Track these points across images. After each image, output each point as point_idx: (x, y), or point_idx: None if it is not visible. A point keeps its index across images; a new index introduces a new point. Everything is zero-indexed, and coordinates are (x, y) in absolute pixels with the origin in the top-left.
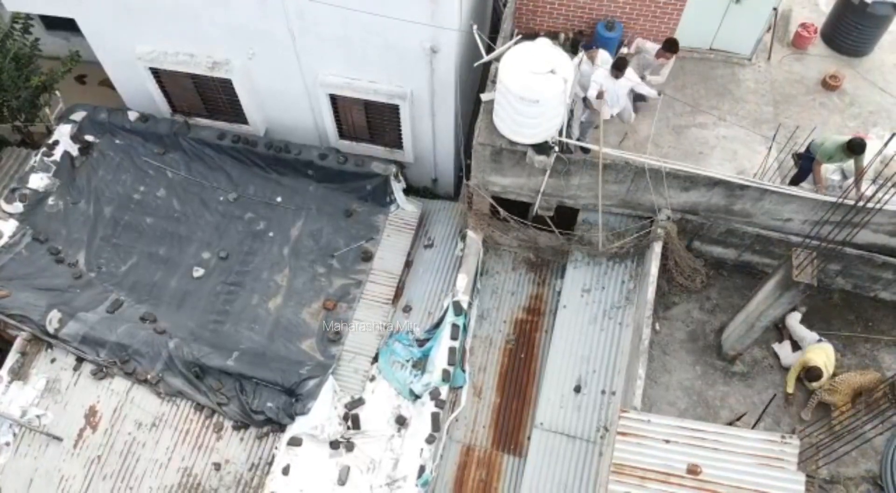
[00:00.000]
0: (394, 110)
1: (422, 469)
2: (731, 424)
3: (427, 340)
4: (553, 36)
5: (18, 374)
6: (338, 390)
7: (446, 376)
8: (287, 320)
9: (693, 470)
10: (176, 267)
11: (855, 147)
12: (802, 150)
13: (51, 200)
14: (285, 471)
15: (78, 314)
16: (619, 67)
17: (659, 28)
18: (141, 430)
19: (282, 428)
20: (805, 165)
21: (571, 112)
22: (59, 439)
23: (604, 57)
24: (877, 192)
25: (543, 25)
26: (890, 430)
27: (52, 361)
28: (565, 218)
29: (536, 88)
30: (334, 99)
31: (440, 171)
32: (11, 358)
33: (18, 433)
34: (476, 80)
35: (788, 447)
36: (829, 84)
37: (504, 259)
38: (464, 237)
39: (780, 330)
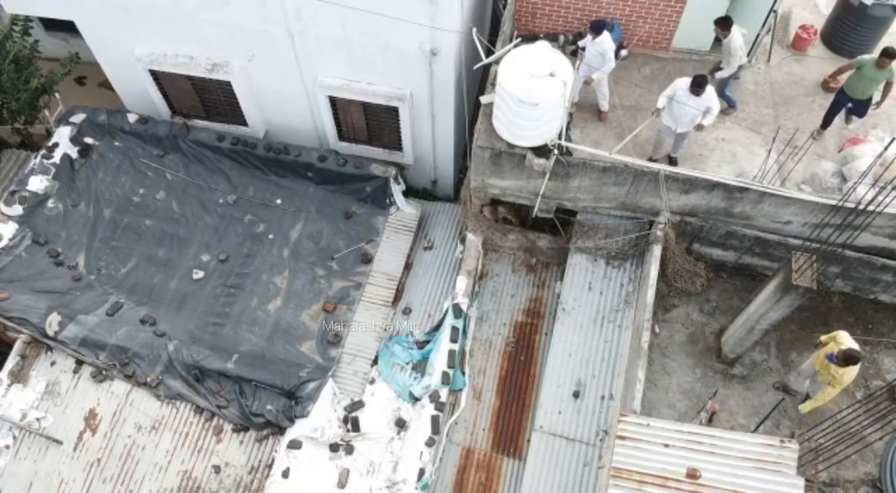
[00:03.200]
0: (393, 112)
1: (421, 472)
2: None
3: (427, 342)
4: (552, 38)
5: (18, 376)
6: (337, 392)
7: (446, 379)
8: (287, 323)
9: (692, 474)
10: (175, 269)
11: (889, 51)
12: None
13: (50, 203)
14: (285, 474)
15: (77, 317)
16: (698, 85)
17: (659, 30)
18: (141, 433)
19: (281, 431)
20: (838, 98)
21: (571, 115)
22: (58, 442)
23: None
24: (877, 195)
25: (543, 28)
26: (890, 433)
27: (52, 363)
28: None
29: (536, 90)
30: (334, 101)
31: (440, 173)
32: (11, 361)
33: (18, 436)
34: (476, 82)
35: (787, 451)
36: (829, 86)
37: (503, 261)
38: (463, 239)
39: None
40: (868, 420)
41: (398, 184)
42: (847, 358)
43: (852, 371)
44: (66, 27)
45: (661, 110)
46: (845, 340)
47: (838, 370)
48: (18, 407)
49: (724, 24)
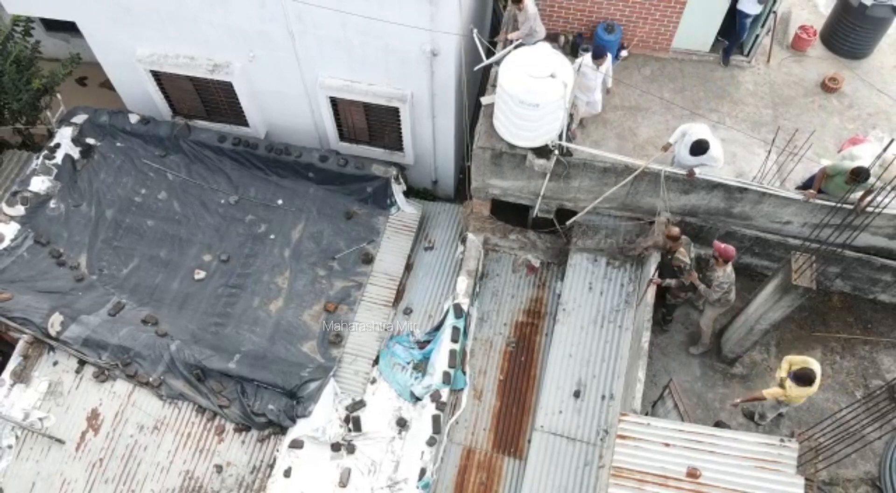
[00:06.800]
0: (394, 113)
1: (422, 472)
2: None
3: (427, 342)
4: (553, 39)
5: (21, 377)
6: (339, 392)
7: (447, 379)
8: (288, 323)
9: (692, 474)
10: (177, 270)
11: (859, 173)
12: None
13: (52, 203)
14: (287, 473)
15: (80, 317)
16: (694, 152)
17: (658, 31)
18: (143, 432)
19: (283, 431)
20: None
21: (571, 116)
22: (61, 442)
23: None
24: (876, 195)
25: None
26: (890, 433)
27: (54, 363)
28: (565, 221)
29: (536, 91)
30: (334, 101)
31: (440, 173)
32: (14, 361)
33: (21, 436)
34: (476, 82)
35: (787, 451)
36: (829, 86)
37: (504, 262)
38: (464, 240)
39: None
40: (868, 419)
41: (399, 184)
42: (802, 377)
43: (806, 391)
44: (67, 28)
45: (671, 145)
46: (812, 366)
47: (793, 389)
48: (21, 407)
49: None
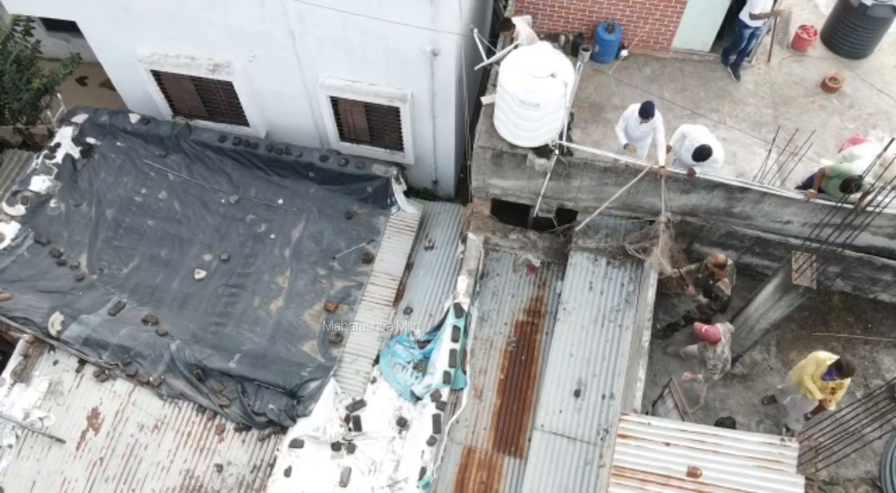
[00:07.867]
0: (394, 113)
1: (423, 471)
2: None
3: (428, 341)
4: (553, 38)
5: (21, 376)
6: (339, 391)
7: (447, 378)
8: (288, 322)
9: (693, 473)
10: (177, 269)
11: (851, 183)
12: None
13: (52, 203)
14: (287, 473)
15: (80, 317)
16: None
17: (659, 30)
18: (143, 432)
19: (283, 430)
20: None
21: (572, 116)
22: (61, 441)
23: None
24: (876, 195)
25: (544, 28)
26: (890, 432)
27: (55, 363)
28: (565, 220)
29: (537, 91)
30: (335, 101)
31: (441, 173)
32: (14, 360)
33: (21, 436)
34: (477, 82)
35: (788, 450)
36: (829, 86)
37: (504, 261)
38: (464, 239)
39: None
40: (867, 419)
41: (399, 184)
42: (845, 369)
43: (848, 381)
44: (67, 27)
45: (670, 147)
46: (827, 356)
47: (841, 383)
48: (21, 407)
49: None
